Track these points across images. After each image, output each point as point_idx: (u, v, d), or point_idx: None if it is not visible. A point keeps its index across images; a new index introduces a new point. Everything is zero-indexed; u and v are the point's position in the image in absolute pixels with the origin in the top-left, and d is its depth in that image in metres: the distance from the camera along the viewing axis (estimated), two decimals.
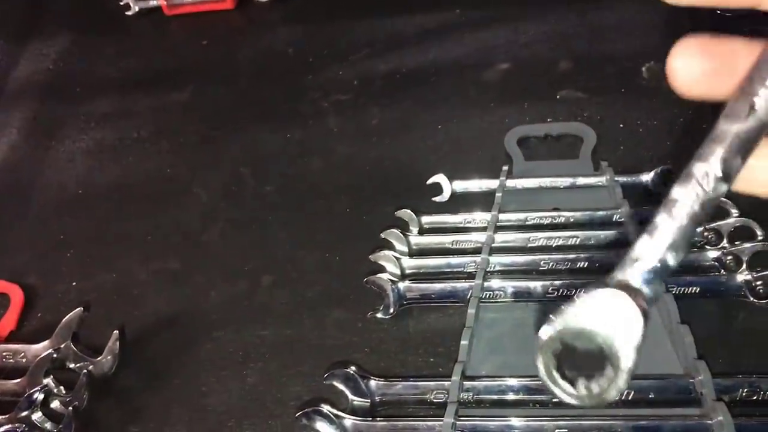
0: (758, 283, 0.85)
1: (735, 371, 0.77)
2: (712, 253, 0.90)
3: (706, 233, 0.91)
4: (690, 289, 0.86)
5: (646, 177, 1.00)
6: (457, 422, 0.77)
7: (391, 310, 0.92)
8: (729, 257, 0.89)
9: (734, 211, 0.91)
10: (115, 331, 0.94)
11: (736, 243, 0.89)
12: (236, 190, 1.15)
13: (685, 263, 0.89)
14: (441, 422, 0.76)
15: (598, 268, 0.91)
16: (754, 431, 0.72)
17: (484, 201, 1.02)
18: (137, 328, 0.99)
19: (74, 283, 1.09)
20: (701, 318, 0.82)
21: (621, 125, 1.09)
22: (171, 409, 0.91)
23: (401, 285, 0.92)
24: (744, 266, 0.87)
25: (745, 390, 0.76)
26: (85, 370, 0.91)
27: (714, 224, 0.91)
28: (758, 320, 0.84)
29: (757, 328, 0.84)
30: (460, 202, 1.04)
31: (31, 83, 1.47)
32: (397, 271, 0.94)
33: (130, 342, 0.97)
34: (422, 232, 1.00)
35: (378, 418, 0.81)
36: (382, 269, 0.95)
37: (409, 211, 1.01)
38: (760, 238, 0.89)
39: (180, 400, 0.91)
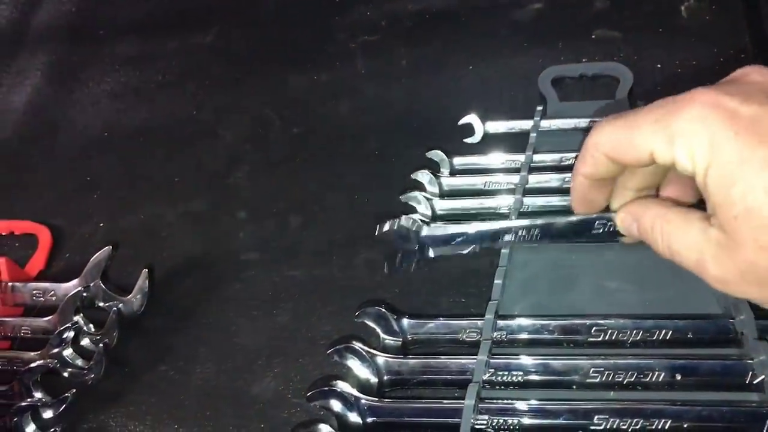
0: None
1: None
2: None
3: None
4: None
5: None
6: (491, 360, 0.76)
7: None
8: None
9: None
10: (144, 270, 0.94)
11: None
12: (262, 132, 1.14)
13: None
14: (474, 360, 0.75)
15: None
16: None
17: (517, 142, 0.99)
18: (165, 269, 1.00)
19: (101, 225, 1.09)
20: None
21: (659, 65, 1.05)
22: (200, 347, 0.91)
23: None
24: None
25: None
26: (115, 309, 0.92)
27: None
28: None
29: None
30: (493, 143, 1.01)
31: (52, 27, 1.45)
32: (428, 212, 0.93)
33: (159, 282, 0.97)
34: (454, 173, 0.98)
35: (410, 356, 0.80)
36: (413, 210, 0.93)
37: (439, 151, 0.99)
38: None
39: (209, 339, 0.92)
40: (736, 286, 0.48)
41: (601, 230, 0.76)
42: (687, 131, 0.48)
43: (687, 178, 0.52)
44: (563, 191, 0.91)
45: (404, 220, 0.88)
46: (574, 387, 0.74)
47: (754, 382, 0.70)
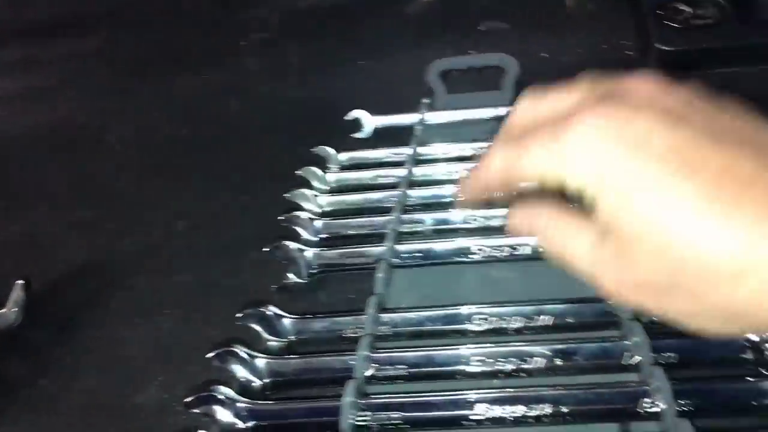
0: None
1: None
2: None
3: None
4: None
5: None
6: (373, 355, 0.74)
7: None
8: None
9: None
10: (18, 281, 0.90)
11: None
12: (150, 135, 1.11)
13: None
14: (356, 356, 0.74)
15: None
16: (671, 349, 0.71)
17: (407, 136, 0.99)
18: (47, 280, 0.95)
19: None
20: None
21: (545, 55, 1.07)
22: (82, 360, 0.87)
23: (318, 223, 0.89)
24: None
25: None
26: None
27: None
28: None
29: None
30: (383, 138, 1.01)
31: None
32: (315, 209, 0.91)
33: (39, 294, 0.93)
34: (342, 169, 0.97)
35: (291, 356, 0.78)
36: (300, 207, 0.91)
37: (326, 147, 0.97)
38: None
39: (91, 351, 0.88)
40: (629, 298, 0.46)
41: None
42: (573, 157, 0.45)
43: None
44: (450, 182, 0.91)
45: (284, 250, 0.86)
46: (458, 377, 0.73)
47: (631, 362, 0.70)
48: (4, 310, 0.89)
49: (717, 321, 0.42)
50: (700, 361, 0.71)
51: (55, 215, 1.04)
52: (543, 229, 0.55)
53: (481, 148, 0.95)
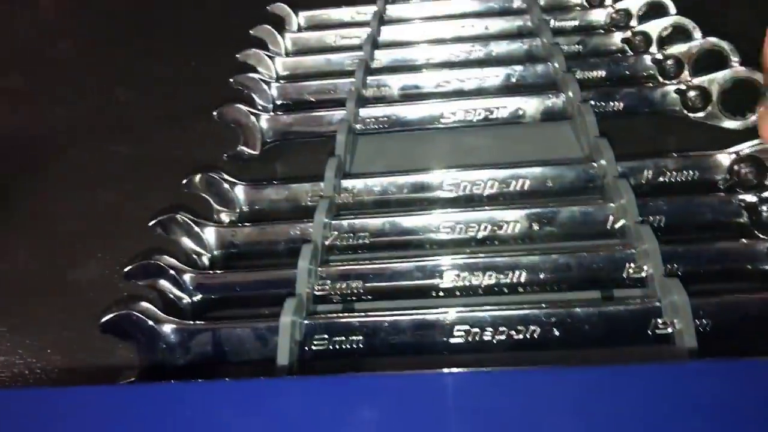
0: (668, 62, 0.77)
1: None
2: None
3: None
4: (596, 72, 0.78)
5: None
6: (332, 222, 0.67)
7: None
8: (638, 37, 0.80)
9: None
10: None
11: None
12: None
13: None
14: (311, 223, 0.66)
15: (496, 59, 0.81)
16: (660, 212, 0.65)
17: None
18: None
19: None
20: None
21: None
22: (12, 234, 0.80)
23: (274, 86, 0.81)
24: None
25: (651, 171, 0.69)
26: None
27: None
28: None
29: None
30: None
31: None
32: (271, 72, 0.82)
33: None
34: (301, 29, 0.88)
35: (244, 224, 0.70)
36: (254, 70, 0.82)
37: (283, 5, 0.88)
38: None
39: (23, 225, 0.80)
40: None
41: None
42: None
43: None
44: (420, 44, 0.83)
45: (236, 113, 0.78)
46: (426, 246, 0.67)
47: (616, 226, 0.64)
48: None
49: None
50: (690, 225, 0.65)
51: None
52: None
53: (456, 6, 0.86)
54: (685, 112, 0.74)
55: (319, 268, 0.63)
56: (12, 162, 0.85)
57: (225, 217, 0.73)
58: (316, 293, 0.62)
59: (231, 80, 0.81)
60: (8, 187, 0.82)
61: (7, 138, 0.87)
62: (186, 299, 0.66)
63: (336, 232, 0.67)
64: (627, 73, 0.78)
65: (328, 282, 0.63)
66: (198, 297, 0.66)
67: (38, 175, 0.84)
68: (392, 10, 0.86)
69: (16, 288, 0.74)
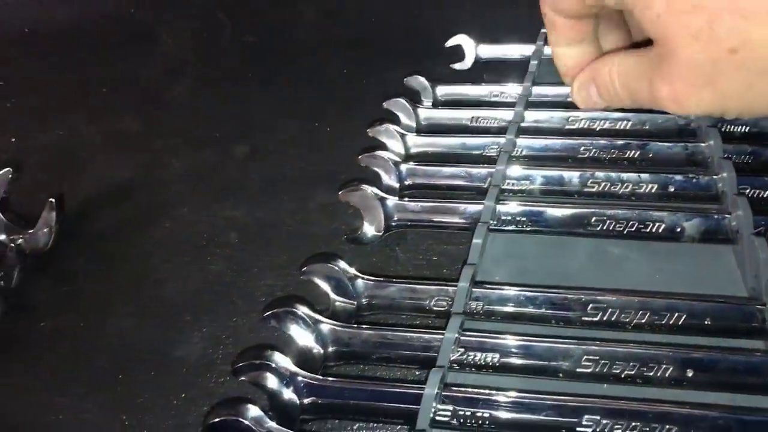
0: None
1: None
2: None
3: None
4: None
5: None
6: (462, 337, 0.65)
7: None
8: None
9: None
10: (50, 199, 0.83)
11: None
12: (210, 39, 1.04)
13: None
14: (442, 336, 0.65)
15: (651, 158, 0.78)
16: None
17: (515, 71, 0.89)
18: (82, 198, 0.89)
19: (13, 140, 0.98)
20: None
21: None
22: (116, 295, 0.80)
23: (404, 167, 0.79)
24: None
25: None
26: (14, 244, 0.82)
27: None
28: None
29: None
30: (486, 71, 0.92)
31: None
32: (401, 150, 0.81)
33: (73, 213, 0.87)
34: (436, 104, 0.87)
35: (363, 325, 0.69)
36: (383, 146, 0.81)
37: (421, 77, 0.88)
38: None
39: (128, 287, 0.81)
40: (689, 98, 0.49)
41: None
42: None
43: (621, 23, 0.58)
44: (566, 132, 0.79)
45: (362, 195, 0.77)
46: (561, 376, 0.64)
47: None
48: (33, 231, 0.82)
49: None
50: None
51: (95, 124, 0.97)
52: (607, 72, 0.56)
53: None
54: None
55: (443, 392, 0.60)
56: (122, 213, 0.87)
57: (341, 307, 0.71)
58: (437, 418, 0.60)
59: (359, 158, 0.79)
60: (117, 242, 0.84)
61: (119, 187, 0.89)
62: (295, 401, 0.64)
63: (463, 349, 0.64)
64: None
65: (451, 407, 0.61)
66: (308, 400, 0.64)
67: (144, 234, 0.85)
68: (538, 91, 0.83)
69: (118, 356, 0.74)
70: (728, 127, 0.81)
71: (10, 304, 0.78)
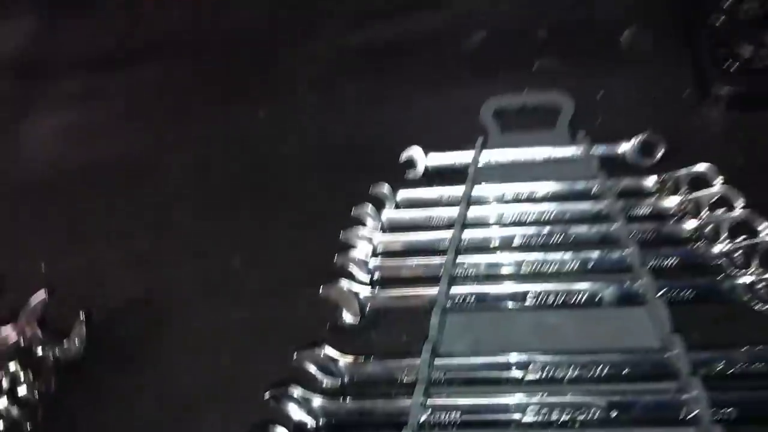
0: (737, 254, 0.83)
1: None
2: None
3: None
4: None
5: (624, 147, 0.98)
6: (427, 401, 0.75)
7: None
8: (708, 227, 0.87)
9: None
10: (80, 315, 0.93)
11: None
12: (206, 169, 1.15)
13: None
14: (409, 401, 0.74)
15: (574, 242, 0.89)
16: (730, 404, 0.70)
17: (460, 175, 1.00)
18: (106, 311, 0.98)
19: (42, 265, 1.07)
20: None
21: (600, 94, 1.06)
22: (141, 392, 0.90)
23: (372, 262, 0.91)
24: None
25: (721, 364, 0.74)
26: (51, 355, 0.91)
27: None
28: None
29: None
30: (437, 176, 1.03)
31: (1, 63, 1.46)
32: (369, 248, 0.93)
33: (99, 325, 0.95)
34: (397, 207, 0.99)
35: (348, 398, 0.79)
36: (354, 247, 0.93)
37: (386, 186, 1.00)
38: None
39: (150, 383, 0.90)
40: None
41: None
42: None
43: None
44: (503, 224, 0.92)
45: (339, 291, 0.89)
46: (512, 426, 0.74)
47: (688, 417, 0.70)
48: (66, 342, 0.92)
49: None
50: (761, 417, 0.70)
51: (114, 247, 1.08)
52: None
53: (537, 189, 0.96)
54: (753, 304, 0.79)
55: None
56: (140, 322, 0.97)
57: (329, 385, 0.82)
58: None
59: (335, 260, 0.91)
60: (137, 347, 0.94)
61: (136, 300, 0.99)
62: None
63: (430, 409, 0.74)
64: (697, 261, 0.84)
65: None
66: None
67: (162, 337, 0.95)
68: (479, 190, 0.95)
69: None
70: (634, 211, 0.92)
71: (49, 408, 0.87)
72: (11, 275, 1.06)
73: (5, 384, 0.86)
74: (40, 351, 0.92)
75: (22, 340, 0.92)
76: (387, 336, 0.88)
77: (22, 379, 0.88)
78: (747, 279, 0.81)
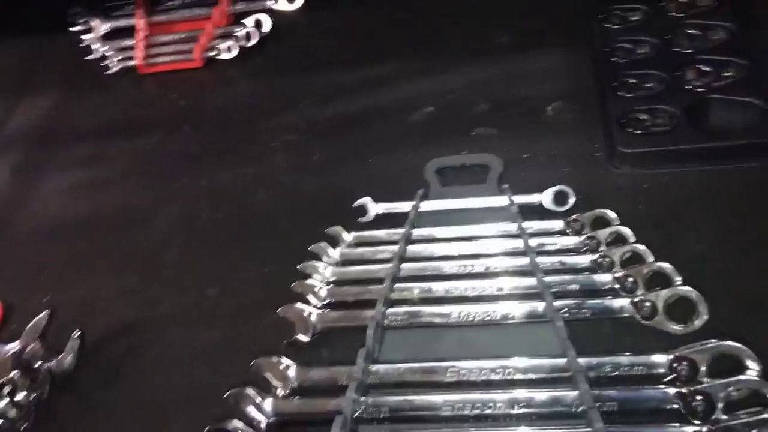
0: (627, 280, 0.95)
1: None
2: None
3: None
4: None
5: (539, 197, 1.10)
6: (360, 398, 0.84)
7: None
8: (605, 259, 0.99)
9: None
10: (75, 332, 1.02)
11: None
12: (191, 218, 1.26)
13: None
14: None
15: (492, 271, 1.01)
16: (612, 400, 0.80)
17: (405, 219, 1.12)
18: (99, 335, 1.07)
19: (47, 298, 1.17)
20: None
21: (526, 155, 1.20)
22: (123, 403, 0.99)
23: (324, 290, 1.03)
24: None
25: (608, 367, 0.84)
26: (47, 366, 0.99)
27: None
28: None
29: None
30: (384, 221, 1.14)
31: (23, 131, 1.61)
32: (323, 278, 1.04)
33: (91, 347, 1.04)
34: (349, 246, 1.11)
35: (295, 398, 0.89)
36: (311, 277, 1.05)
37: (338, 227, 1.12)
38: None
39: (131, 396, 0.99)
40: None
41: None
42: None
43: None
44: (435, 259, 1.04)
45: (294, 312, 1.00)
46: (433, 420, 0.83)
47: (578, 410, 0.79)
48: (61, 357, 1.01)
49: None
50: (638, 411, 0.80)
51: (109, 281, 1.18)
52: None
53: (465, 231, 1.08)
54: (638, 318, 0.91)
55: None
56: (127, 342, 1.06)
57: (281, 391, 0.91)
58: None
59: (292, 286, 1.03)
60: (123, 363, 1.03)
61: (125, 324, 1.09)
62: None
63: (363, 407, 0.84)
64: (594, 286, 0.96)
65: None
66: None
67: (144, 355, 1.04)
68: (417, 232, 1.08)
69: None
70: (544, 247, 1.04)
71: (43, 413, 0.96)
72: (21, 308, 1.17)
73: (6, 389, 0.95)
74: (38, 363, 1.01)
75: (23, 352, 1.01)
76: (334, 350, 0.97)
77: (20, 386, 0.97)
78: (634, 299, 0.92)
